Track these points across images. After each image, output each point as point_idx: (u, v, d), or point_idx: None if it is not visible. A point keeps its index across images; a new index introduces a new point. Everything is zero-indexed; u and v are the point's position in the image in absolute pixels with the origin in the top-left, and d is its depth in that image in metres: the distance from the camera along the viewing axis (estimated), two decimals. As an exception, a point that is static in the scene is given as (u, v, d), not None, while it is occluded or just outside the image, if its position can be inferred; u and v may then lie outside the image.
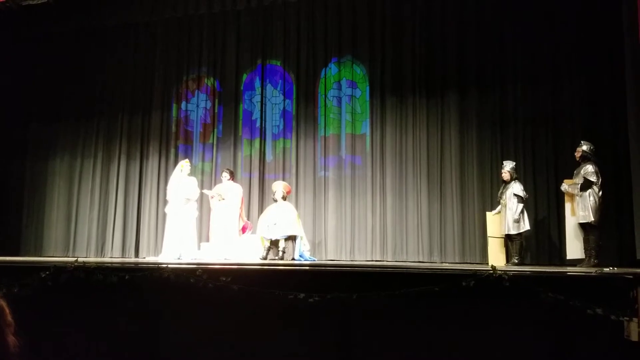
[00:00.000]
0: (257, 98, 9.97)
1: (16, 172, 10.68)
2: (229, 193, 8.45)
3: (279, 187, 8.57)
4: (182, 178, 8.41)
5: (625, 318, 4.01)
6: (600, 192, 6.74)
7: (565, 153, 7.87)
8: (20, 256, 9.69)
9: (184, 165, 8.54)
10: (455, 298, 4.39)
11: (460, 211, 8.62)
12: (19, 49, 10.39)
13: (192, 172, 9.61)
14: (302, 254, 8.22)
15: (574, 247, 7.00)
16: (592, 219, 6.67)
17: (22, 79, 10.62)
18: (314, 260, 8.43)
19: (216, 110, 10.16)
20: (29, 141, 10.81)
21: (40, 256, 10.00)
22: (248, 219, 8.94)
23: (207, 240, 8.84)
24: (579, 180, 6.87)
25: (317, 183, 9.46)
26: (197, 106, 10.30)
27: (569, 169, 7.31)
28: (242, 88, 10.12)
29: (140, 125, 10.39)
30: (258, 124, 9.89)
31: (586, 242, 6.79)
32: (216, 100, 10.19)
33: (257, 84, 10.00)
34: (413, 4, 9.21)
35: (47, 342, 5.39)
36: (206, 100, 10.27)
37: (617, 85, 7.60)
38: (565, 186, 7.10)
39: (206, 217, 9.40)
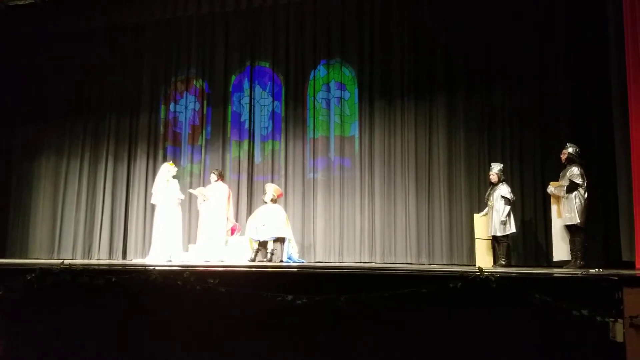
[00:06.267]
0: (246, 100, 9.96)
1: (1, 172, 10.58)
2: (213, 193, 8.43)
3: (270, 189, 8.56)
4: (169, 180, 8.45)
5: (610, 319, 4.04)
6: (586, 194, 6.81)
7: (551, 155, 7.93)
8: (5, 258, 9.59)
9: (169, 167, 8.57)
10: (442, 300, 4.41)
11: (448, 213, 8.66)
12: (5, 49, 10.30)
13: (182, 174, 9.67)
14: (291, 255, 8.21)
15: (560, 249, 7.05)
16: (578, 220, 6.73)
17: (8, 78, 10.54)
18: (302, 262, 8.43)
19: (205, 112, 10.14)
20: (14, 141, 10.73)
21: (26, 258, 9.92)
22: (237, 221, 8.92)
23: (195, 241, 8.81)
24: (564, 182, 6.93)
25: (306, 185, 9.46)
26: (186, 108, 10.27)
27: (556, 171, 7.37)
28: (230, 90, 10.10)
29: (128, 127, 10.36)
30: (247, 126, 9.88)
31: (572, 243, 6.84)
32: (205, 102, 10.18)
33: (246, 85, 9.99)
34: (401, 6, 9.25)
35: (31, 345, 5.34)
36: (195, 102, 10.25)
37: (604, 88, 7.70)
38: (551, 188, 7.15)
39: (195, 219, 9.37)
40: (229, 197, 8.58)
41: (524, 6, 8.51)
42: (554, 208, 7.18)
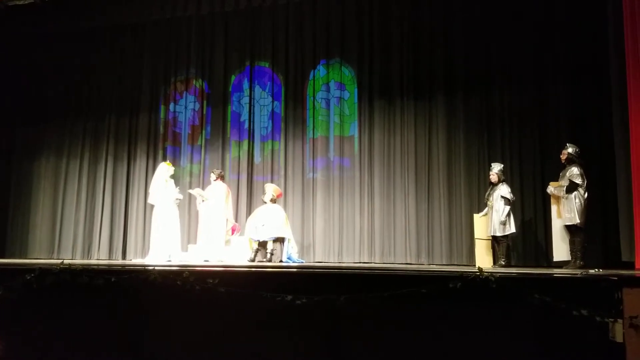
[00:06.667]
0: (246, 100, 9.96)
1: (1, 172, 10.58)
2: (213, 194, 8.44)
3: (270, 189, 8.56)
4: (167, 180, 8.48)
5: (610, 319, 4.04)
6: (586, 194, 6.81)
7: (551, 155, 7.93)
8: (4, 258, 9.60)
9: (168, 167, 8.59)
10: (442, 300, 4.41)
11: (447, 213, 8.66)
12: (5, 49, 10.30)
13: (181, 174, 9.69)
14: (290, 255, 8.21)
15: (560, 249, 7.05)
16: (577, 221, 6.73)
17: (8, 78, 10.54)
18: (302, 262, 8.43)
19: (204, 112, 10.14)
20: (14, 141, 10.73)
21: (26, 258, 9.92)
22: (236, 221, 8.92)
23: (194, 242, 8.82)
24: (564, 182, 6.93)
25: (306, 185, 9.46)
26: (186, 108, 10.28)
27: (555, 172, 7.37)
28: (230, 90, 10.10)
29: (127, 127, 10.37)
30: (246, 126, 9.88)
31: (572, 243, 6.85)
32: (204, 102, 10.18)
33: (246, 85, 9.99)
34: (401, 6, 9.25)
35: (31, 345, 5.34)
36: (194, 102, 10.25)
37: (603, 88, 7.69)
38: (551, 188, 7.15)
39: (194, 219, 9.37)
40: (227, 196, 8.57)
41: (523, 6, 8.51)
42: (553, 208, 7.18)
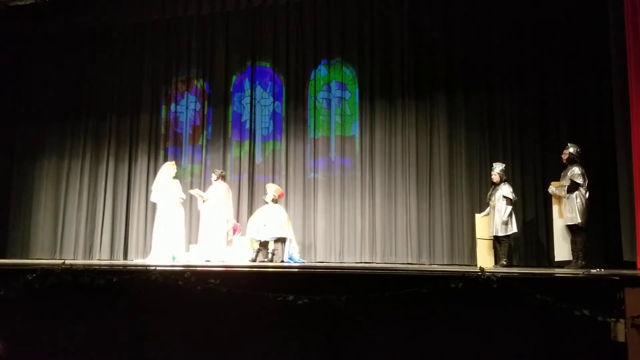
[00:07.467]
0: (247, 100, 9.96)
1: (2, 173, 10.58)
2: (214, 194, 8.44)
3: (271, 189, 8.56)
4: (169, 179, 8.48)
5: (612, 319, 4.04)
6: (587, 194, 6.80)
7: (552, 155, 7.93)
8: (6, 258, 9.60)
9: (170, 167, 8.58)
10: (443, 300, 4.40)
11: (449, 213, 8.65)
12: (5, 49, 10.30)
13: (182, 174, 9.69)
14: (292, 256, 8.21)
15: (562, 249, 7.05)
16: (579, 220, 6.73)
17: (8, 78, 10.54)
18: (303, 262, 8.43)
19: (205, 112, 10.14)
20: (15, 142, 10.73)
21: (27, 258, 9.92)
22: (237, 221, 8.92)
23: (196, 242, 8.82)
24: (565, 182, 6.92)
25: (307, 185, 9.46)
26: (187, 108, 10.27)
27: (556, 172, 7.37)
28: (231, 90, 10.10)
29: (129, 127, 10.36)
30: (247, 126, 9.88)
31: (573, 243, 6.84)
32: (205, 102, 10.18)
33: (247, 85, 9.99)
34: (401, 7, 9.25)
35: (31, 345, 5.33)
36: (195, 102, 10.25)
37: (604, 88, 7.69)
38: (552, 188, 7.15)
39: (196, 219, 9.37)
40: (227, 196, 8.55)
41: (524, 6, 8.50)
42: (555, 208, 7.17)
